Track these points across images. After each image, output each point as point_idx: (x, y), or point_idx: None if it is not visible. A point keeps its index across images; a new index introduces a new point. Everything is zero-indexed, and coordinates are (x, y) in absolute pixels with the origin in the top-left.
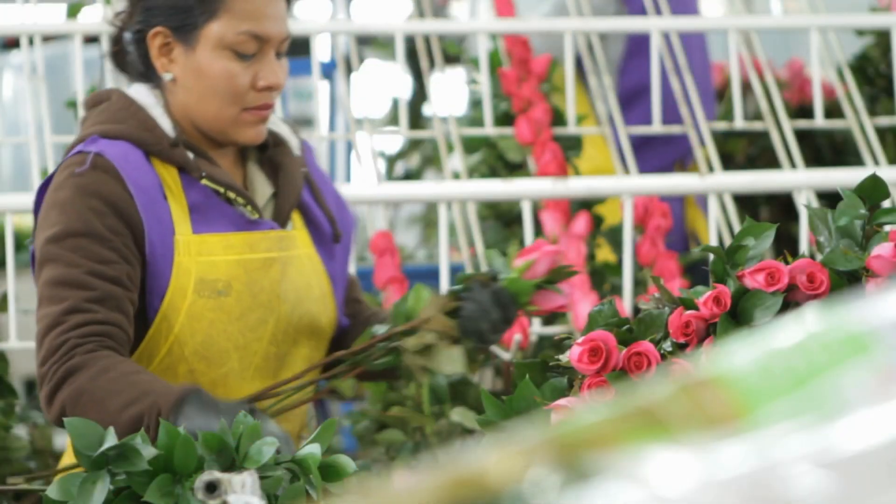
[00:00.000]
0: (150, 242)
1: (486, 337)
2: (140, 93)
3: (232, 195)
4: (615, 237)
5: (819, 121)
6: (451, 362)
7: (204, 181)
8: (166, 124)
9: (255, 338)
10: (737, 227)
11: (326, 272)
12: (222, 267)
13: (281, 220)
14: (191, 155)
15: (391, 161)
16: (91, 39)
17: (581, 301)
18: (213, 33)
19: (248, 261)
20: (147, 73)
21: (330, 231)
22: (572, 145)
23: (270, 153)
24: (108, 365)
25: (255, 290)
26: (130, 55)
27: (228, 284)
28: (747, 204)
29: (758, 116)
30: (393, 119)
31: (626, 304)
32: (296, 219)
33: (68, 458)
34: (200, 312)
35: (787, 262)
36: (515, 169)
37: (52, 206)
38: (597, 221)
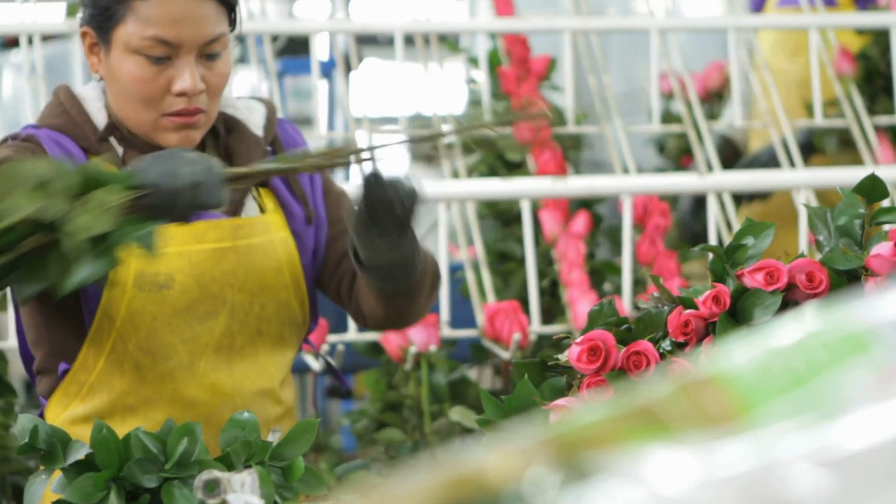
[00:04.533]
0: None
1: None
2: (87, 89)
3: None
4: (615, 237)
5: (819, 120)
6: None
7: None
8: (102, 120)
9: (205, 330)
10: (736, 227)
11: (300, 255)
12: (163, 259)
13: (232, 208)
14: (120, 149)
15: None
16: None
17: (580, 300)
18: (121, 36)
19: (193, 252)
20: None
21: (303, 212)
22: (572, 145)
23: (225, 141)
24: None
25: (203, 282)
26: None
27: (171, 277)
28: None
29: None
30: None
31: (625, 304)
32: (268, 202)
33: None
34: (142, 307)
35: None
36: (515, 168)
37: None
38: (596, 221)
